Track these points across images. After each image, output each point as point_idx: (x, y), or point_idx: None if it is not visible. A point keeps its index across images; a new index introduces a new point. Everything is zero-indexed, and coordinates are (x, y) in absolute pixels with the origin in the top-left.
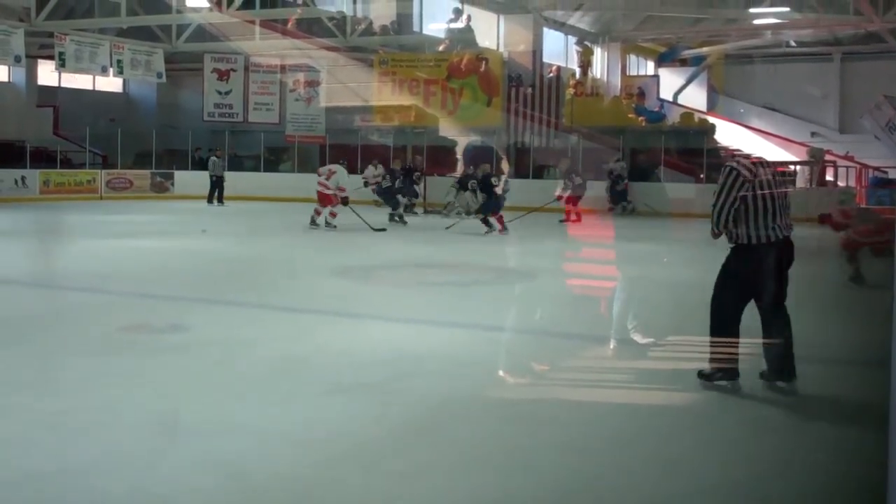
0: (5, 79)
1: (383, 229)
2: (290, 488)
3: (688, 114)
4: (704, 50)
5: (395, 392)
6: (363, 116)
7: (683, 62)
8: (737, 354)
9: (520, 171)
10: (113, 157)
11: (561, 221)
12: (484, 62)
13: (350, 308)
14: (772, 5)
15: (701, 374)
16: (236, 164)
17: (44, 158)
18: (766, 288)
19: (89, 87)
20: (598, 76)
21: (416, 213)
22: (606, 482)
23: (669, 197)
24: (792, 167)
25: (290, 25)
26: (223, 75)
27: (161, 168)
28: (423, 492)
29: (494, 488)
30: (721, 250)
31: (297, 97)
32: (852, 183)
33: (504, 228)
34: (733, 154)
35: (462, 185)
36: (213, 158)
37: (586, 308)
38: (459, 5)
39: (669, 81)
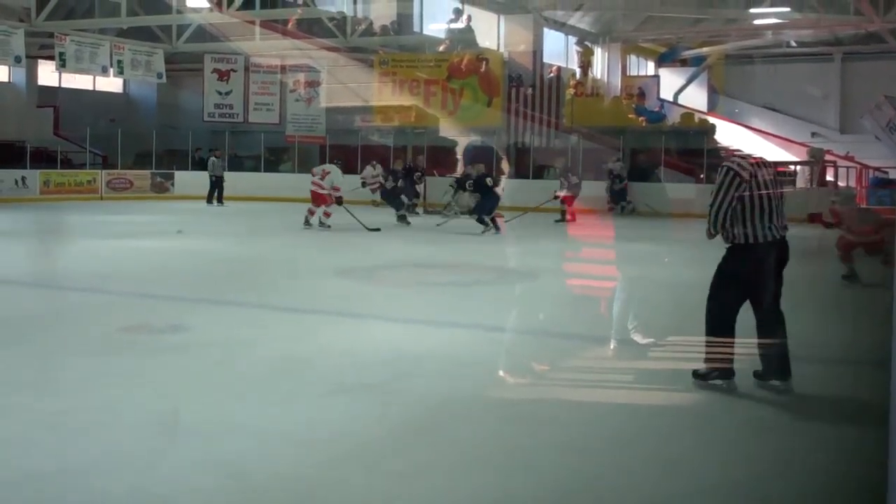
0: (5, 79)
1: (377, 229)
2: (291, 488)
3: (688, 114)
4: (705, 50)
5: (396, 392)
6: (363, 117)
7: (684, 62)
8: (732, 354)
9: (520, 172)
10: (113, 158)
11: (556, 221)
12: (484, 62)
13: (351, 308)
14: (772, 5)
15: (696, 374)
16: (236, 165)
17: (44, 159)
18: (763, 288)
19: (89, 87)
20: (599, 76)
21: (417, 213)
22: (606, 482)
23: (670, 197)
24: (792, 167)
25: (290, 26)
26: (223, 76)
27: (161, 168)
28: (424, 492)
29: (495, 488)
30: (722, 250)
31: (298, 97)
32: (853, 183)
33: (497, 228)
34: (733, 154)
35: (460, 185)
36: (213, 159)
37: (586, 308)
38: (460, 5)
39: (670, 82)
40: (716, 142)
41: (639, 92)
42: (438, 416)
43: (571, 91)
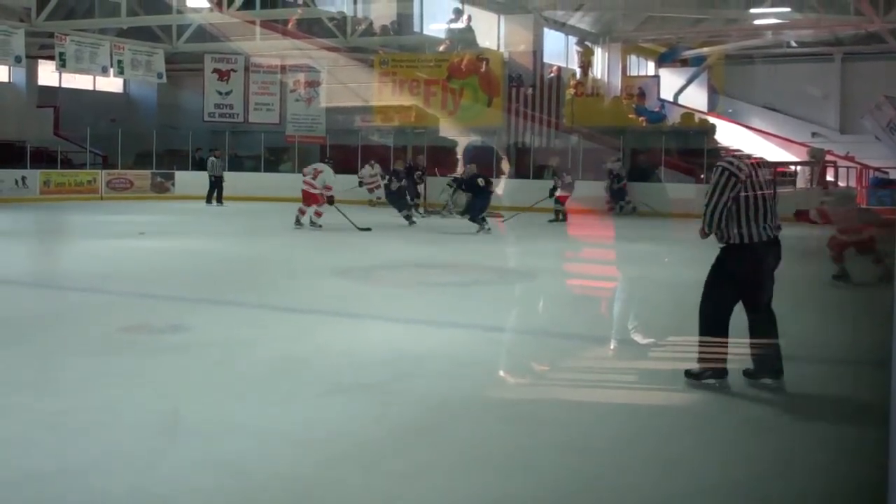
0: (6, 79)
1: (368, 229)
2: (291, 488)
3: (688, 114)
4: (705, 50)
5: (396, 392)
6: (363, 117)
7: (684, 62)
8: (726, 353)
9: (520, 172)
10: (113, 158)
11: (550, 221)
12: (484, 62)
13: (350, 308)
14: (772, 5)
15: (689, 374)
16: (237, 165)
17: (44, 159)
18: (758, 287)
19: (90, 87)
20: (599, 76)
21: (419, 213)
22: (606, 482)
23: (670, 197)
24: (792, 167)
25: (290, 26)
26: (223, 76)
27: (161, 168)
28: (424, 492)
29: (494, 488)
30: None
31: (298, 97)
32: (853, 183)
33: (489, 228)
34: (733, 154)
35: (458, 184)
36: (212, 159)
37: (587, 308)
38: (460, 5)
39: (670, 82)
40: (716, 142)
41: (639, 92)
42: (438, 416)
43: (572, 91)
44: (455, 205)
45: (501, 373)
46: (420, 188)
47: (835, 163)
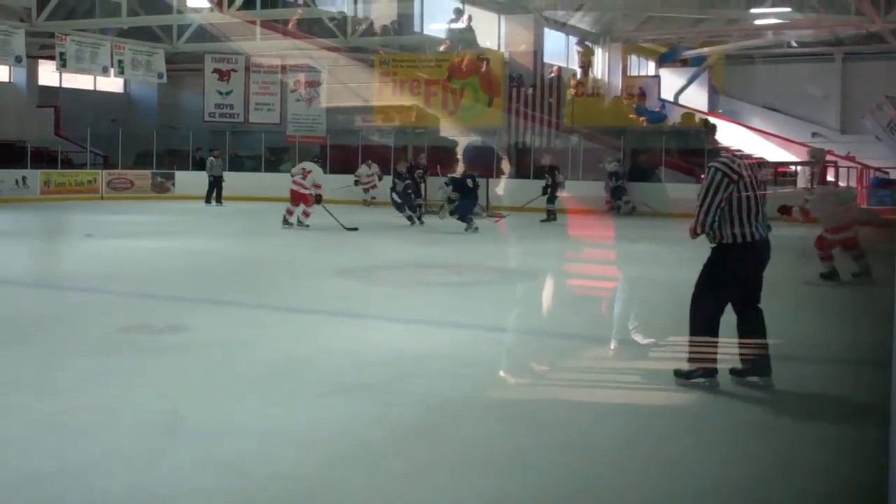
0: (6, 79)
1: (355, 228)
2: (292, 488)
3: (689, 114)
4: (705, 50)
5: (397, 392)
6: (364, 117)
7: (684, 62)
8: (716, 353)
9: (521, 172)
10: (114, 158)
11: (542, 221)
12: (485, 62)
13: (351, 308)
14: (773, 5)
15: (679, 373)
16: (237, 165)
17: (45, 159)
18: (750, 286)
19: (90, 87)
20: (599, 76)
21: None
22: (606, 482)
23: (670, 197)
24: (793, 167)
25: (290, 26)
26: (224, 76)
27: (162, 168)
28: (425, 492)
29: (495, 488)
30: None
31: (298, 97)
32: (853, 183)
33: (476, 227)
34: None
35: (451, 184)
36: (211, 159)
37: (587, 308)
38: (460, 5)
39: (670, 82)
40: (716, 142)
41: (639, 92)
42: (439, 416)
43: (572, 91)
44: (450, 204)
45: (502, 373)
46: (422, 188)
47: (835, 163)
